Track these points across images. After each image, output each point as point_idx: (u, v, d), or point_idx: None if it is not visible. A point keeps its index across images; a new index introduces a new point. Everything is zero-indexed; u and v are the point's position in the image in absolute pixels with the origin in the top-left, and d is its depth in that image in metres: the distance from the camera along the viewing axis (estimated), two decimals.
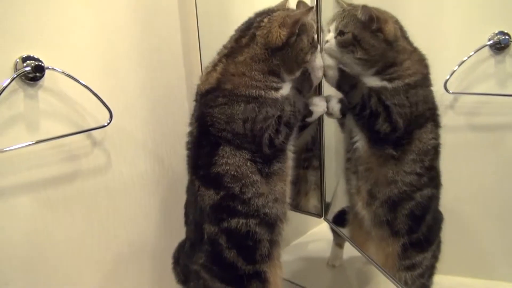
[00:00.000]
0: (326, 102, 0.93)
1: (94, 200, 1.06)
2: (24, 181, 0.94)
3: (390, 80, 0.89)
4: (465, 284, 1.14)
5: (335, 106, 0.93)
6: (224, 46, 0.89)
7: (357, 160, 0.96)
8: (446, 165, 0.94)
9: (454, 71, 1.06)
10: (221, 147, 0.83)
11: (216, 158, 0.84)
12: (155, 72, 1.15)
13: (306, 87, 0.90)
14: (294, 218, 0.98)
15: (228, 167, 0.83)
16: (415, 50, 0.92)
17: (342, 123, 1.02)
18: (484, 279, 1.15)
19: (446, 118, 0.96)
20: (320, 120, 0.99)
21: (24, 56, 0.90)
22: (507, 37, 1.04)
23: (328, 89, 0.96)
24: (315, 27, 0.90)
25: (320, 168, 1.04)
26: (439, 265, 0.99)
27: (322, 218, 1.09)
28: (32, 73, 0.90)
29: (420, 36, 0.93)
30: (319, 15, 0.94)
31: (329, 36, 0.92)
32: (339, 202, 1.11)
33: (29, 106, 0.93)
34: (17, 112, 0.91)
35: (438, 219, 0.98)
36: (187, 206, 0.98)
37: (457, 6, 1.07)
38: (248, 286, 0.87)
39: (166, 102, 1.19)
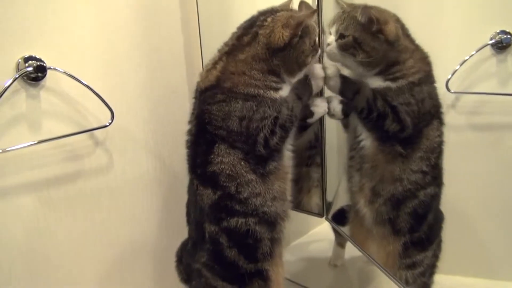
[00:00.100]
0: (328, 103, 0.93)
1: (96, 199, 1.07)
2: (26, 180, 0.94)
3: (393, 80, 0.88)
4: (466, 283, 1.13)
5: (337, 107, 0.93)
6: (225, 43, 0.89)
7: (362, 158, 0.95)
8: (448, 164, 0.94)
9: (456, 70, 1.05)
10: (217, 145, 0.83)
11: (212, 156, 0.83)
12: (156, 72, 1.15)
13: (306, 94, 0.90)
14: (295, 218, 0.97)
15: (223, 166, 0.83)
16: (417, 48, 0.91)
17: (345, 123, 1.01)
18: (485, 279, 1.14)
19: (448, 117, 0.95)
20: (321, 119, 0.99)
21: (26, 56, 0.90)
22: (509, 36, 1.03)
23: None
24: (317, 30, 0.89)
25: (322, 167, 1.04)
26: (440, 264, 0.99)
27: (324, 217, 1.09)
28: (34, 73, 0.90)
29: (421, 35, 0.92)
30: (321, 17, 0.94)
31: (330, 39, 0.91)
32: (341, 201, 1.11)
33: (31, 106, 0.93)
34: (19, 112, 0.92)
35: (439, 218, 0.97)
36: (188, 205, 0.98)
37: (458, 5, 1.06)
38: (250, 285, 0.87)
39: (167, 102, 1.19)
